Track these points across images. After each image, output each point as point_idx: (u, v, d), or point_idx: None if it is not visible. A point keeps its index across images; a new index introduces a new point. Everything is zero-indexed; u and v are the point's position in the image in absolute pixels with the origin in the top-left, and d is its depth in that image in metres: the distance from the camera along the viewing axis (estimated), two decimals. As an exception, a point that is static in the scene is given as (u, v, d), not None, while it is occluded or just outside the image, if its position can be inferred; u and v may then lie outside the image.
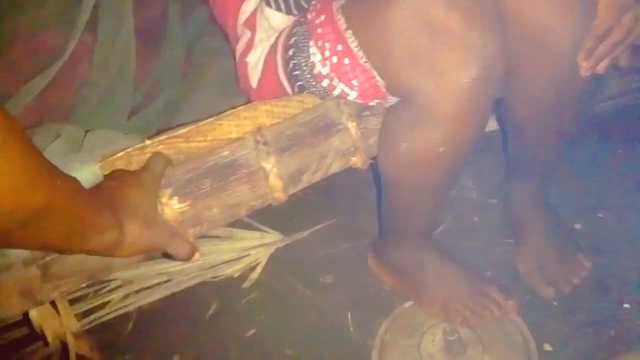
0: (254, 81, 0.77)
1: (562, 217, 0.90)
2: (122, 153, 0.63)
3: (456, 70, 0.53)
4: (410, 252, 0.82)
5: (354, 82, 0.61)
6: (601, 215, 0.95)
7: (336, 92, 0.64)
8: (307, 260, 1.00)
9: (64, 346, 0.78)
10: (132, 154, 0.63)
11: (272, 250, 1.02)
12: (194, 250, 0.58)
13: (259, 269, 1.00)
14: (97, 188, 0.55)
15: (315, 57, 0.63)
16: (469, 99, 0.54)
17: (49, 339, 0.70)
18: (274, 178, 0.63)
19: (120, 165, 0.62)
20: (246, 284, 0.99)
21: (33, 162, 0.40)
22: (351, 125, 0.64)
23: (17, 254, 0.57)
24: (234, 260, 1.02)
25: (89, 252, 0.51)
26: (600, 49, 0.55)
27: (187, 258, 0.58)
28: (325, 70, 0.63)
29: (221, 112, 0.70)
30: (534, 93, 0.63)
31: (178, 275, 1.01)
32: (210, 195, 0.61)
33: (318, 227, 1.04)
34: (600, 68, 0.58)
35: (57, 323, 0.69)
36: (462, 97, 0.54)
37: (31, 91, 0.77)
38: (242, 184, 0.62)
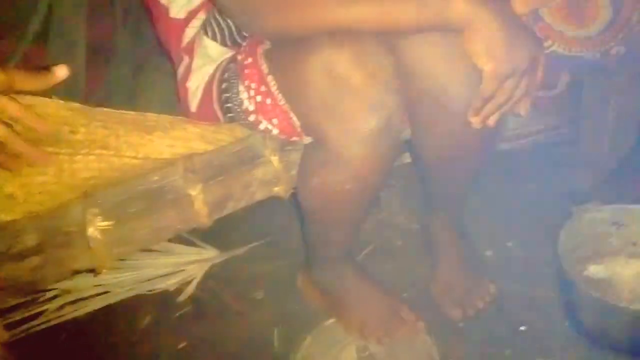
0: (193, 106, 0.82)
1: (475, 244, 0.99)
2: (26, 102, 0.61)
3: (357, 120, 0.60)
4: (331, 273, 0.89)
5: (274, 121, 0.67)
6: (509, 244, 1.04)
7: (261, 127, 0.71)
8: (241, 277, 1.05)
9: (-7, 356, 0.80)
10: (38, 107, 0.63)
11: (208, 266, 1.07)
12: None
13: (194, 284, 1.04)
14: None
15: (243, 95, 0.69)
16: (370, 146, 0.61)
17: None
18: (200, 204, 0.68)
19: None
20: (181, 298, 1.03)
21: None
22: (274, 158, 0.70)
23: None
24: (170, 274, 1.06)
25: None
26: (487, 108, 0.63)
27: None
28: (251, 107, 0.69)
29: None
30: (435, 141, 0.71)
31: (114, 287, 1.04)
32: (137, 218, 0.66)
33: (254, 244, 1.09)
34: (491, 122, 0.66)
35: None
36: (363, 143, 0.61)
37: None
38: (169, 209, 0.67)
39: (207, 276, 1.06)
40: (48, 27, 0.87)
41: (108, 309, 1.02)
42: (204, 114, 0.80)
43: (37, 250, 0.62)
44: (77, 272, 0.66)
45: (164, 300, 1.03)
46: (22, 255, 0.62)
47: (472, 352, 0.88)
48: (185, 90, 0.83)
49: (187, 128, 0.73)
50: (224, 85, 0.73)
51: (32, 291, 0.65)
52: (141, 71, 1.07)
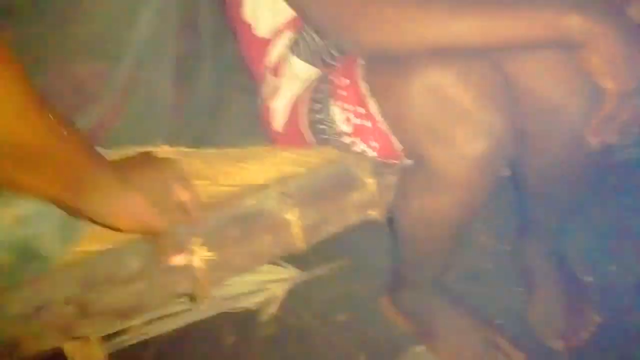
0: (278, 126, 0.81)
1: (573, 270, 0.92)
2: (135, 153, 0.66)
3: (465, 143, 0.57)
4: (422, 298, 0.85)
5: (373, 144, 0.65)
6: (612, 269, 0.97)
7: (358, 149, 0.69)
8: (323, 298, 1.03)
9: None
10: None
11: (289, 285, 1.06)
12: (180, 247, 0.60)
13: (276, 304, 1.04)
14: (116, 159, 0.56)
15: (339, 117, 0.68)
16: (477, 169, 0.58)
17: (78, 367, 0.74)
18: (297, 229, 0.67)
19: None
20: (263, 318, 1.02)
21: (27, 95, 0.39)
22: (370, 181, 0.68)
23: (57, 290, 0.62)
24: (252, 293, 1.06)
25: (84, 213, 0.50)
26: (609, 128, 0.58)
27: (171, 254, 0.59)
28: (347, 130, 0.67)
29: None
30: (544, 160, 0.67)
31: (197, 305, 1.05)
32: (236, 244, 0.66)
33: (334, 265, 1.07)
34: (611, 140, 0.61)
35: (86, 354, 0.74)
36: (470, 167, 0.58)
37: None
38: (266, 233, 0.67)
39: (290, 296, 1.05)
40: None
41: (192, 327, 1.03)
42: (289, 135, 0.79)
43: (142, 275, 0.63)
44: (180, 296, 0.66)
45: (246, 319, 1.03)
46: (127, 280, 0.63)
47: (578, 386, 0.82)
48: (269, 110, 0.83)
49: (279, 154, 0.73)
50: (316, 107, 0.72)
51: (137, 315, 0.66)
52: (221, 87, 1.08)
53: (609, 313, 0.89)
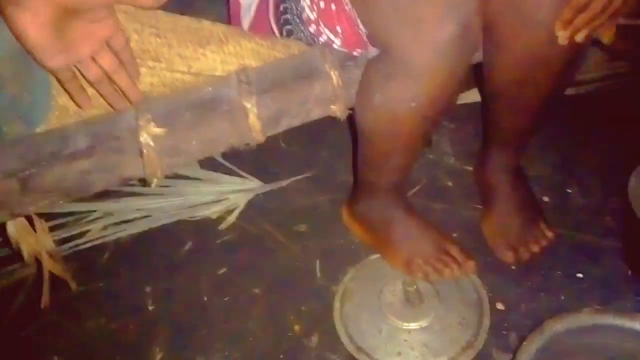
0: (245, 23, 0.77)
1: (531, 189, 0.94)
2: None
3: (433, 25, 0.54)
4: (380, 206, 0.85)
5: (338, 29, 0.62)
6: (569, 191, 0.98)
7: (322, 39, 0.66)
8: (284, 209, 1.03)
9: (39, 266, 0.81)
10: None
11: (250, 196, 1.05)
12: None
13: (236, 213, 1.03)
14: None
15: (305, 2, 0.64)
16: (443, 56, 0.56)
17: (25, 256, 0.73)
18: (254, 118, 0.64)
19: None
20: (222, 226, 1.02)
21: None
22: (334, 73, 0.65)
23: (-3, 166, 0.59)
24: (213, 202, 1.05)
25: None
26: (579, 20, 0.57)
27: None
28: (313, 16, 0.64)
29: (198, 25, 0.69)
30: (511, 59, 0.65)
31: (157, 212, 1.04)
32: (190, 127, 0.63)
33: (297, 177, 1.06)
34: (579, 38, 0.60)
35: (33, 240, 0.72)
36: (437, 52, 0.56)
37: None
38: (222, 120, 0.64)
39: (250, 206, 1.04)
40: None
41: (150, 233, 1.02)
42: (257, 30, 0.76)
43: (88, 153, 0.61)
44: (125, 180, 0.64)
45: (205, 227, 1.02)
46: (72, 157, 0.60)
47: (524, 295, 0.84)
48: (238, 5, 0.78)
49: (241, 42, 0.69)
50: (282, -5, 0.69)
51: (80, 196, 0.63)
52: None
53: (562, 231, 0.91)
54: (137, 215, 1.04)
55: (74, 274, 0.93)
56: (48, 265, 0.73)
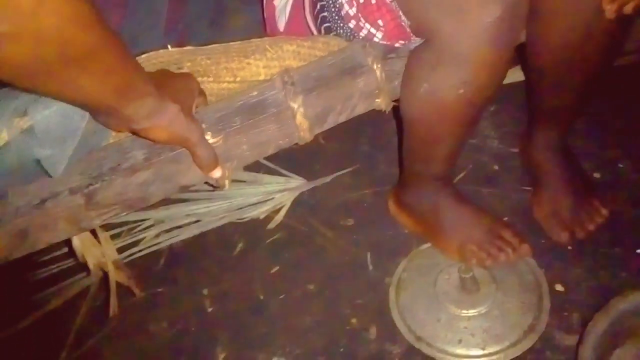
0: (281, 24, 0.78)
1: (582, 166, 0.91)
2: (145, 56, 0.67)
3: (478, 9, 0.53)
4: (429, 194, 0.85)
5: (380, 22, 0.62)
6: (621, 166, 0.96)
7: (362, 34, 0.66)
8: (330, 205, 1.04)
9: (104, 275, 0.84)
10: (153, 59, 0.66)
11: (296, 194, 1.06)
12: (216, 161, 0.61)
13: (283, 212, 1.05)
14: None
15: (342, -1, 0.64)
16: (490, 40, 0.55)
17: (91, 267, 0.76)
18: (301, 117, 0.65)
19: None
20: (271, 225, 1.03)
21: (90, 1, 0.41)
22: (376, 67, 0.66)
23: (64, 183, 0.62)
24: (259, 203, 1.07)
25: (126, 120, 0.53)
26: None
27: (209, 167, 0.61)
28: (352, 11, 0.64)
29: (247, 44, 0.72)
30: (558, 36, 0.64)
31: (206, 216, 1.06)
32: (240, 133, 0.65)
33: (340, 173, 1.07)
34: (627, 10, 0.58)
35: (98, 252, 0.75)
36: (483, 37, 0.55)
37: None
38: (271, 122, 0.65)
39: (296, 204, 1.05)
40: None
41: (201, 237, 1.04)
42: (294, 31, 0.76)
43: (146, 165, 0.63)
44: (184, 188, 0.66)
45: (254, 228, 1.04)
46: (131, 170, 0.62)
47: (584, 275, 0.83)
48: (273, 7, 0.79)
49: (282, 47, 0.70)
50: (318, -7, 0.69)
51: (142, 206, 0.66)
52: (224, 2, 1.04)
53: (616, 207, 0.88)
54: (187, 220, 1.07)
55: (134, 280, 0.96)
56: (114, 274, 0.76)
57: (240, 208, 1.07)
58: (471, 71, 0.59)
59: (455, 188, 0.87)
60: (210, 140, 0.62)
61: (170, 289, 0.98)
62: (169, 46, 0.68)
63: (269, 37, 0.85)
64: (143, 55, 0.68)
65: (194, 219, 1.07)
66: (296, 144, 0.69)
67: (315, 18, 0.71)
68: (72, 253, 0.77)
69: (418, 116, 0.68)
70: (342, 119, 0.69)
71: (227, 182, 0.65)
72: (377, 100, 0.68)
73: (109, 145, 0.65)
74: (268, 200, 1.07)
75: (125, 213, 0.66)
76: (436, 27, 0.57)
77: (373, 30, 0.64)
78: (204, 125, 0.63)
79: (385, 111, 0.70)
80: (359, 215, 1.01)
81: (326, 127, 0.69)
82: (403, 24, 0.61)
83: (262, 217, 1.05)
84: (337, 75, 0.67)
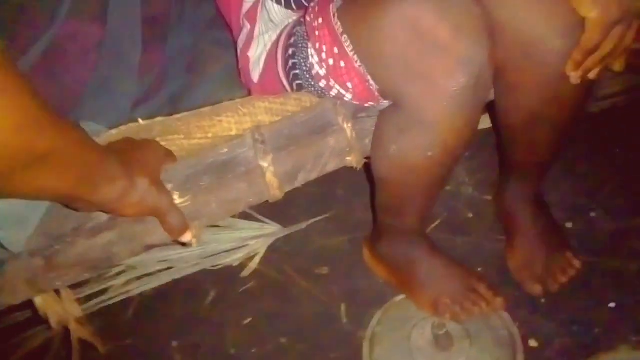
0: (255, 76, 0.78)
1: (554, 216, 0.92)
2: (115, 131, 0.66)
3: (444, 78, 0.54)
4: (402, 247, 0.85)
5: (349, 85, 0.63)
6: (593, 215, 0.97)
7: (333, 93, 0.66)
8: (305, 252, 1.03)
9: (67, 331, 0.81)
10: (123, 132, 0.65)
11: (270, 241, 1.05)
12: (186, 226, 0.60)
13: (257, 259, 1.03)
14: (105, 144, 0.57)
15: (314, 59, 0.65)
16: (456, 106, 0.56)
17: (53, 324, 0.73)
18: (271, 176, 0.65)
19: None
20: (244, 273, 1.01)
21: (36, 102, 0.40)
22: (347, 126, 0.66)
23: (23, 246, 0.60)
24: (233, 249, 1.05)
25: (96, 205, 0.51)
26: (589, 61, 0.56)
27: (179, 232, 0.59)
28: (322, 72, 0.64)
29: (219, 103, 0.72)
30: (524, 99, 0.65)
31: (179, 262, 1.04)
32: (209, 192, 0.63)
33: (316, 219, 1.06)
34: (591, 76, 0.59)
35: (60, 309, 0.72)
36: (449, 104, 0.55)
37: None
38: (240, 181, 0.65)
39: (270, 251, 1.04)
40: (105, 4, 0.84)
41: (173, 285, 1.02)
42: (268, 84, 0.77)
43: (110, 225, 0.61)
44: (150, 247, 0.64)
45: (228, 275, 1.02)
46: (95, 231, 0.61)
47: (557, 330, 0.82)
48: (247, 59, 0.79)
49: (255, 104, 0.70)
50: (290, 51, 0.69)
51: (106, 267, 0.64)
52: (197, 44, 1.04)
53: (589, 259, 0.89)
54: (159, 267, 1.04)
55: (100, 331, 0.93)
56: (76, 332, 0.73)
57: (214, 255, 1.05)
58: (438, 136, 0.59)
59: (429, 239, 0.87)
60: (178, 201, 0.61)
61: (138, 341, 0.95)
62: (139, 120, 0.67)
63: (244, 85, 0.86)
64: (113, 131, 0.67)
65: (166, 266, 1.04)
66: (266, 201, 0.68)
67: (287, 74, 0.72)
68: (31, 304, 0.75)
69: (388, 175, 0.68)
70: (313, 176, 0.68)
71: (194, 241, 0.63)
72: (348, 158, 0.68)
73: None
74: (242, 247, 1.05)
75: (88, 274, 0.63)
76: (403, 93, 0.57)
77: (342, 92, 0.64)
78: (170, 185, 0.62)
79: (356, 168, 0.69)
80: (334, 263, 1.00)
81: (297, 184, 0.68)
82: (371, 87, 0.61)
83: (235, 264, 1.04)
84: (307, 133, 0.67)
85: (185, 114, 0.71)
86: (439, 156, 0.61)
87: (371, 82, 0.61)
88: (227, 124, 0.71)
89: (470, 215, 1.02)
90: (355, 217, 1.06)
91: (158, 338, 0.94)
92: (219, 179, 0.64)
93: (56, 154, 0.43)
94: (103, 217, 0.62)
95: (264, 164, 0.64)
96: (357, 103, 0.66)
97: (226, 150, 0.67)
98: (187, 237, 0.61)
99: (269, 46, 0.75)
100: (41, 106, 0.41)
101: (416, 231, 0.82)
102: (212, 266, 1.04)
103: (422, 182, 0.67)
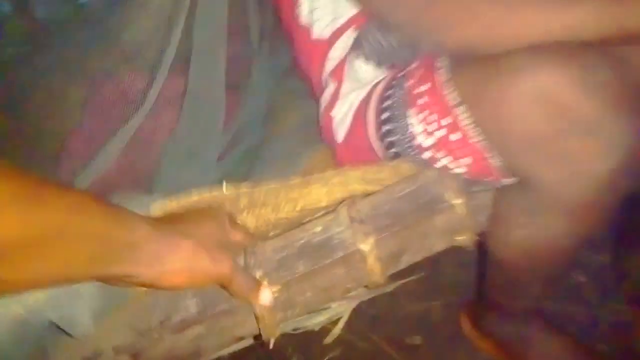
0: (339, 136, 0.72)
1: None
2: (196, 197, 0.60)
3: (591, 161, 0.45)
4: (515, 324, 0.74)
5: (465, 161, 0.54)
6: None
7: (440, 165, 0.58)
8: (393, 318, 0.94)
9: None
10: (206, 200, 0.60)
11: (354, 304, 0.97)
12: (258, 283, 0.53)
13: (340, 324, 0.95)
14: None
15: (415, 129, 0.57)
16: (601, 192, 0.46)
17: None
18: (373, 261, 0.57)
19: None
20: (327, 340, 0.94)
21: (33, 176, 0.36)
22: (458, 202, 0.57)
23: (108, 339, 0.55)
24: (314, 312, 0.98)
25: (124, 280, 0.45)
26: None
27: (253, 291, 0.52)
28: (427, 143, 0.57)
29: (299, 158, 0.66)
30: None
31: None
32: (304, 279, 0.57)
33: (404, 280, 0.97)
34: None
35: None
36: (593, 189, 0.46)
37: (109, 155, 0.69)
38: (338, 267, 0.58)
39: (355, 316, 0.96)
40: (189, 54, 0.79)
41: (251, 350, 0.96)
42: (354, 145, 0.70)
43: (199, 319, 0.56)
44: (240, 339, 0.58)
45: (310, 340, 0.95)
46: (183, 325, 0.56)
47: None
48: (330, 119, 0.74)
49: (347, 173, 0.63)
50: (384, 116, 0.62)
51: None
52: (275, 95, 1.00)
53: None
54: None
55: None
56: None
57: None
58: (577, 221, 0.49)
59: (543, 314, 0.76)
60: (270, 290, 0.54)
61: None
62: (224, 186, 0.61)
63: (326, 143, 0.79)
64: (193, 198, 0.62)
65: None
66: (365, 286, 0.61)
67: (380, 139, 0.65)
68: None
69: (510, 259, 0.58)
70: (418, 257, 0.61)
71: (272, 340, 0.57)
72: (458, 237, 0.59)
73: (159, 293, 0.58)
74: (324, 309, 0.98)
75: (175, 371, 0.58)
76: (537, 174, 0.48)
77: (452, 166, 0.56)
78: (260, 272, 0.56)
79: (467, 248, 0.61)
80: (428, 332, 0.90)
81: (400, 267, 0.61)
82: (491, 164, 0.53)
83: (317, 328, 0.96)
84: (411, 210, 0.59)
85: (273, 185, 0.65)
86: (571, 242, 0.52)
87: (491, 159, 0.52)
88: (316, 195, 0.64)
89: (583, 279, 0.90)
90: (446, 279, 0.97)
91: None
92: (314, 266, 0.57)
93: (61, 227, 0.38)
94: (191, 308, 0.56)
95: (365, 248, 0.57)
96: (471, 178, 0.57)
97: (320, 229, 0.60)
98: (266, 295, 0.53)
99: (356, 105, 0.68)
100: (30, 188, 0.36)
101: (533, 312, 0.72)
102: (293, 330, 0.97)
103: (549, 267, 0.57)
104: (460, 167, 0.56)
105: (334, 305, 0.99)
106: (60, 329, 0.53)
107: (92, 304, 0.53)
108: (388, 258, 0.59)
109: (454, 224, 0.58)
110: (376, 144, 0.66)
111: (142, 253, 0.44)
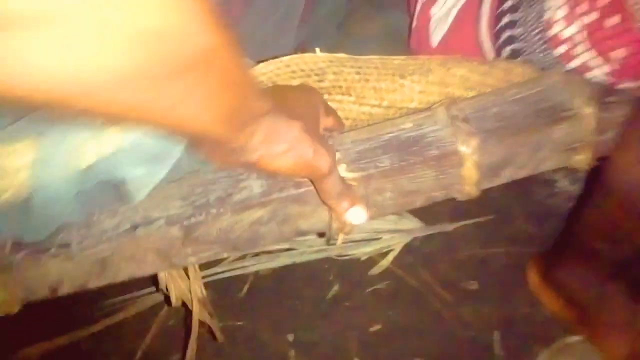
0: (435, 39, 0.63)
1: None
2: (276, 60, 0.53)
3: None
4: (596, 280, 0.65)
5: (613, 54, 0.44)
6: None
7: (574, 64, 0.48)
8: (448, 259, 0.86)
9: (185, 308, 0.72)
10: (293, 65, 0.52)
11: (408, 238, 0.90)
12: (357, 196, 0.46)
13: (390, 257, 0.89)
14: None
15: (555, 14, 0.47)
16: None
17: (173, 300, 0.63)
18: (471, 167, 0.49)
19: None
20: (374, 271, 0.88)
21: None
22: (588, 112, 0.48)
23: (161, 209, 0.49)
24: (363, 241, 0.91)
25: (235, 151, 0.40)
26: None
27: (345, 204, 0.45)
28: (567, 32, 0.46)
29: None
30: None
31: (301, 245, 0.92)
32: (386, 176, 0.49)
33: (466, 222, 0.89)
34: None
35: (184, 286, 0.62)
36: None
37: None
38: (428, 168, 0.49)
39: (406, 251, 0.89)
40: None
41: (292, 269, 0.90)
42: (454, 48, 0.60)
43: (263, 201, 0.49)
44: (302, 233, 0.51)
45: (354, 269, 0.89)
46: (244, 206, 0.49)
47: None
48: (427, 18, 0.64)
49: (450, 69, 0.54)
50: (508, 4, 0.52)
51: (248, 249, 0.52)
52: (350, 5, 0.90)
53: None
54: (279, 246, 0.93)
55: (212, 304, 0.84)
56: (197, 314, 0.64)
57: (342, 243, 0.92)
58: None
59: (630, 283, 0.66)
60: (345, 175, 0.47)
61: (250, 325, 0.85)
62: (317, 50, 0.53)
63: (413, 52, 0.70)
64: (275, 60, 0.54)
65: (286, 246, 0.93)
66: (452, 198, 0.53)
67: (495, 35, 0.55)
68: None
69: (626, 194, 0.49)
70: (522, 174, 0.51)
71: (341, 237, 0.50)
72: (576, 156, 0.50)
73: (220, 171, 0.51)
74: (373, 239, 0.91)
75: (226, 254, 0.52)
76: None
77: (596, 62, 0.46)
78: (338, 154, 0.48)
79: (580, 170, 0.51)
80: (486, 279, 0.82)
81: (497, 182, 0.52)
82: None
83: (363, 258, 0.90)
84: (527, 115, 0.49)
85: (369, 58, 0.56)
86: None
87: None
88: (409, 90, 0.55)
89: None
90: (515, 227, 0.88)
91: (272, 326, 0.84)
92: (402, 162, 0.49)
93: (216, 62, 0.31)
94: (255, 188, 0.49)
95: (465, 150, 0.48)
96: (611, 80, 0.47)
97: (411, 124, 0.51)
98: (358, 213, 0.46)
99: (465, -1, 0.58)
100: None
101: (622, 264, 0.63)
102: (337, 255, 0.91)
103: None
104: (604, 64, 0.45)
105: (385, 237, 0.91)
106: (112, 192, 0.47)
107: (146, 170, 0.47)
108: (488, 167, 0.50)
109: (576, 139, 0.49)
110: (487, 44, 0.56)
111: (263, 127, 0.39)
